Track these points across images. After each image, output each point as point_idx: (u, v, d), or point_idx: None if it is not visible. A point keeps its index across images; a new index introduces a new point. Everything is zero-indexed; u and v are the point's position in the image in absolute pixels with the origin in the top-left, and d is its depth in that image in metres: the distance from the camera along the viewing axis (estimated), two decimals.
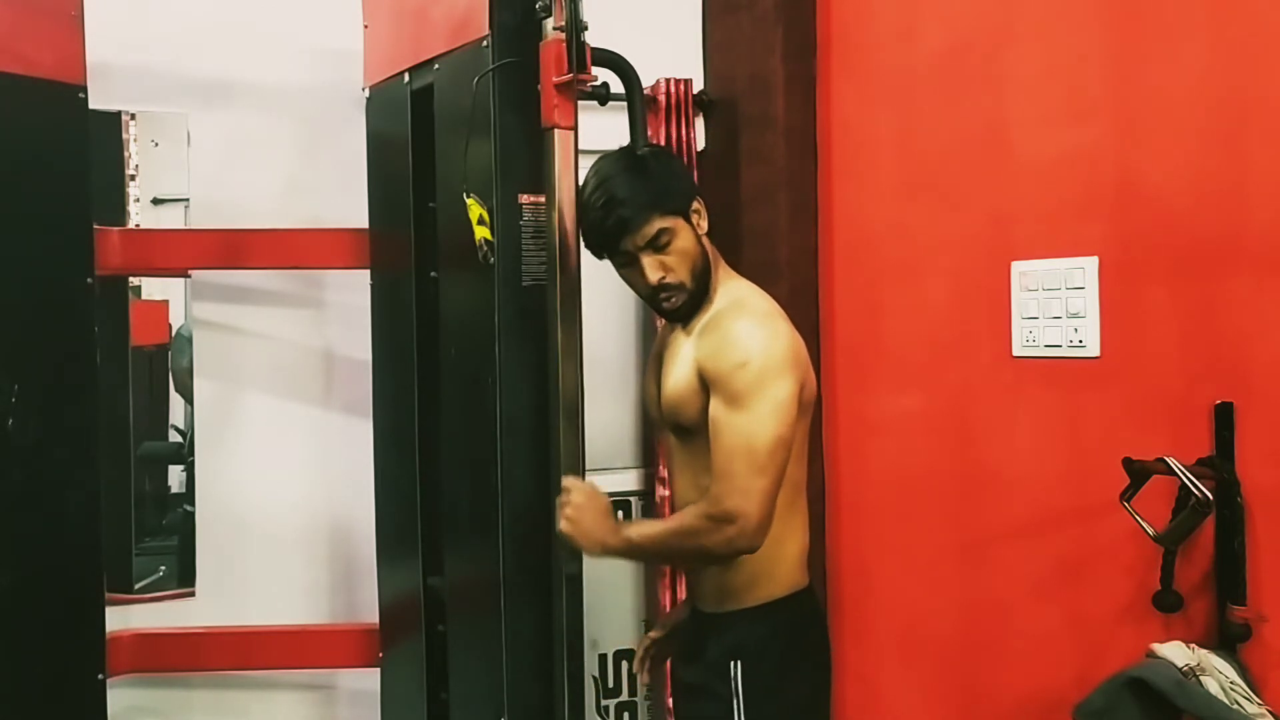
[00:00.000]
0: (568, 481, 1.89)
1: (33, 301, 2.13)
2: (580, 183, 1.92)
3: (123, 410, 2.63)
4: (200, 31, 2.62)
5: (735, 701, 1.82)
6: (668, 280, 1.85)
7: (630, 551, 1.88)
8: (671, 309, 1.89)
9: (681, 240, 1.85)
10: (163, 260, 2.59)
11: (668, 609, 2.75)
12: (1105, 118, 2.07)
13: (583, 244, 1.93)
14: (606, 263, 1.95)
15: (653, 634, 2.18)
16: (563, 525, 1.85)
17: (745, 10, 2.78)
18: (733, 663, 1.83)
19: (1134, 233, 2.02)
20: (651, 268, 1.84)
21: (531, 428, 2.00)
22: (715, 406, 1.78)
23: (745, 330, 1.80)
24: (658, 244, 1.84)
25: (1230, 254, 1.88)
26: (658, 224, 1.83)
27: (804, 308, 2.64)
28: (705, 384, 1.81)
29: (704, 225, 1.91)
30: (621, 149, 1.95)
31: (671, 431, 1.95)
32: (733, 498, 1.72)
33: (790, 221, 2.70)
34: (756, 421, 1.73)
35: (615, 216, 1.82)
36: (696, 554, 1.82)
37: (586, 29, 1.86)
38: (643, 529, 1.94)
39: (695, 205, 1.90)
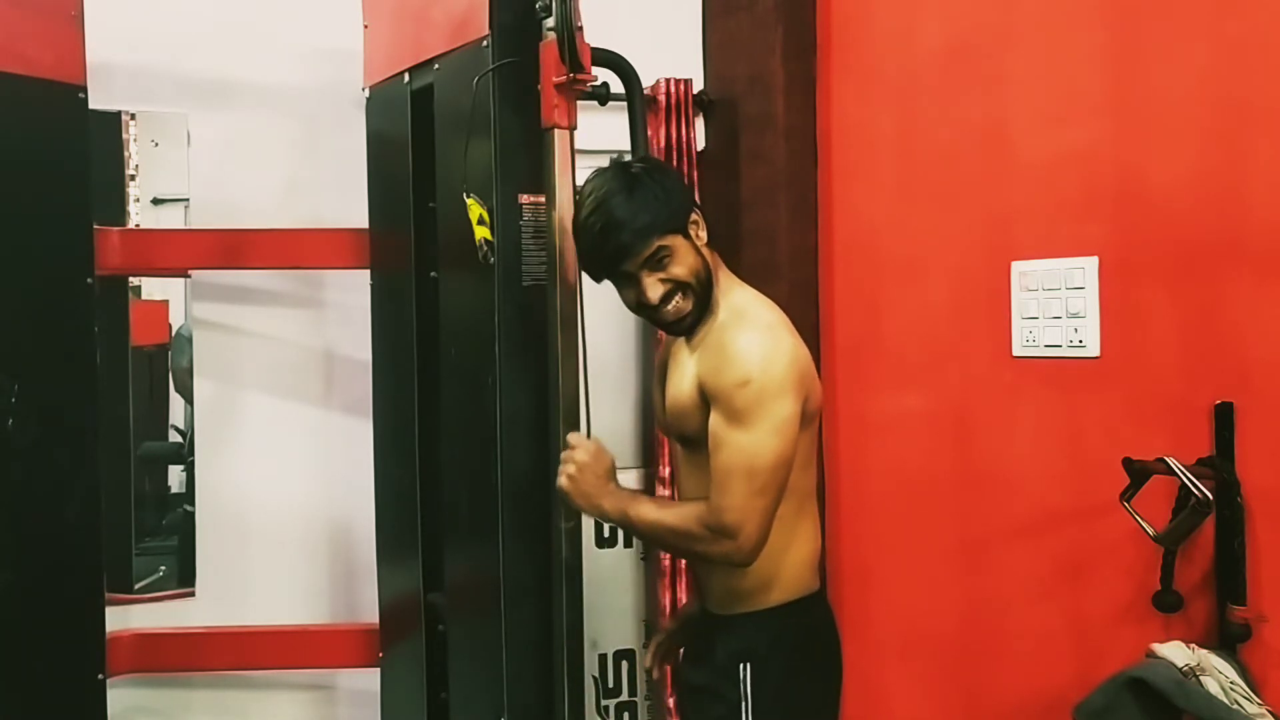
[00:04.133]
0: (573, 437, 1.88)
1: (33, 301, 2.13)
2: (576, 194, 1.88)
3: (123, 410, 2.63)
4: (200, 31, 2.62)
5: (744, 704, 1.81)
6: (668, 297, 1.80)
7: (623, 523, 1.88)
8: (673, 323, 1.85)
9: (681, 256, 1.80)
10: (163, 260, 2.59)
11: (667, 609, 2.75)
12: (1105, 118, 2.07)
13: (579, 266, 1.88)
14: None
15: (665, 627, 2.17)
16: (562, 481, 1.84)
17: (745, 10, 2.78)
18: (741, 665, 1.82)
19: (1134, 233, 2.02)
20: (652, 287, 1.79)
21: (531, 428, 2.00)
22: (716, 421, 1.76)
23: (746, 346, 1.76)
24: (656, 262, 1.79)
25: (1230, 254, 1.88)
26: (656, 244, 1.78)
27: (804, 308, 2.64)
28: (706, 399, 1.78)
29: (703, 236, 1.85)
30: (615, 165, 1.88)
31: (676, 440, 1.95)
32: (732, 514, 1.72)
33: (790, 221, 2.70)
34: (758, 441, 1.71)
35: (614, 243, 1.77)
36: (689, 554, 1.86)
37: (581, 30, 1.85)
38: (641, 510, 1.85)
39: (693, 217, 1.84)
